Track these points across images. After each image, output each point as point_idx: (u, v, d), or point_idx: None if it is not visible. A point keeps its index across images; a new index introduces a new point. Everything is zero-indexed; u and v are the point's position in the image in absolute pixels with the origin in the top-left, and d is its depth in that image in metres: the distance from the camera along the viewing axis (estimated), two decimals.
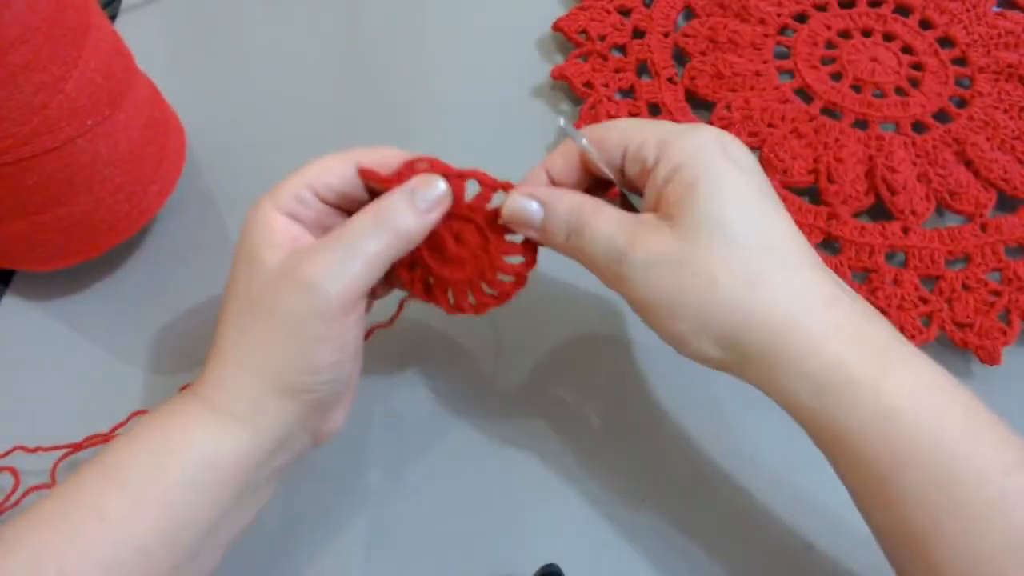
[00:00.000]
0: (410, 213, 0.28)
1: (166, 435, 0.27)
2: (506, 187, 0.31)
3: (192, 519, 0.26)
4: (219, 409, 0.27)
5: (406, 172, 0.30)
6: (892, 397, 0.25)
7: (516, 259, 0.32)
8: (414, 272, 0.32)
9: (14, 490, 0.34)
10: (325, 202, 0.29)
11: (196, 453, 0.27)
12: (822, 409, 0.26)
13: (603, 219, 0.28)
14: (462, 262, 0.31)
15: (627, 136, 0.29)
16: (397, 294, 0.35)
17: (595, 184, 0.32)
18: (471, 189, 0.31)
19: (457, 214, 0.31)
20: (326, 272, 0.27)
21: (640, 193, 0.30)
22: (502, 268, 0.31)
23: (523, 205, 0.30)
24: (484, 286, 0.32)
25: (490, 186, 0.31)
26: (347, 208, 0.30)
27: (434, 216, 0.29)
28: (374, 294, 0.33)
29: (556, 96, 0.50)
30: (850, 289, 0.28)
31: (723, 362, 0.27)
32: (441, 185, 0.29)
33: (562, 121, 0.31)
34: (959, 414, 0.25)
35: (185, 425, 0.27)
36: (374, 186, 0.30)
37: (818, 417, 0.26)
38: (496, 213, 0.31)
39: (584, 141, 0.30)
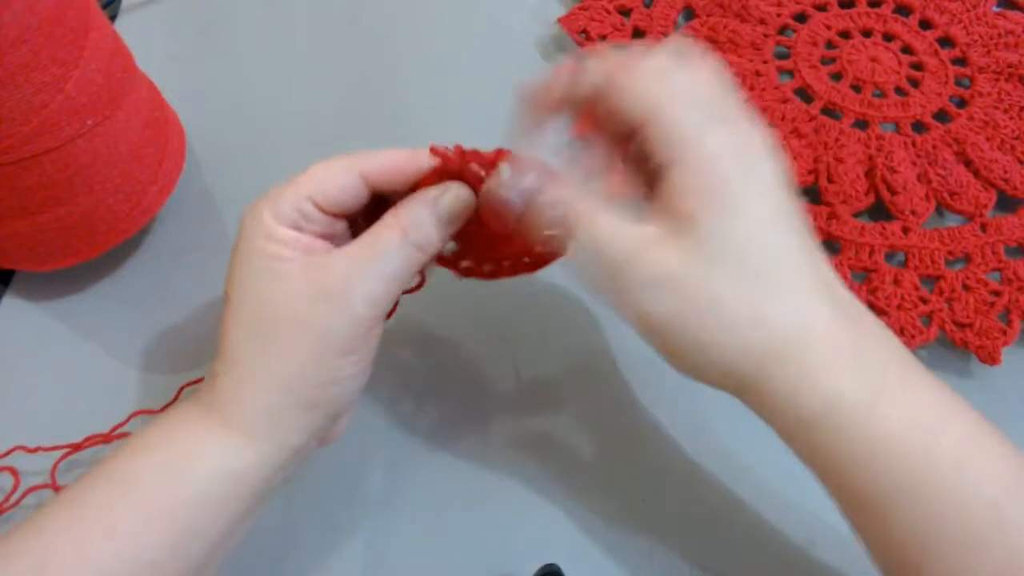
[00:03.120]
0: (435, 228, 0.28)
1: (179, 448, 0.26)
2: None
3: (203, 533, 0.26)
4: (234, 426, 0.26)
5: (460, 162, 0.28)
6: (886, 427, 0.24)
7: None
8: (452, 257, 0.32)
9: (14, 490, 0.34)
10: (327, 213, 0.28)
11: (210, 468, 0.26)
12: (816, 443, 0.25)
13: (600, 225, 0.26)
14: (504, 241, 0.30)
15: (650, 113, 0.26)
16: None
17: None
18: None
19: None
20: (358, 287, 0.26)
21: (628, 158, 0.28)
22: (531, 254, 0.31)
23: (501, 194, 0.27)
24: (526, 259, 0.32)
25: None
26: (350, 215, 0.29)
27: (457, 226, 0.29)
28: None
29: None
30: (853, 300, 0.27)
31: (718, 387, 0.27)
32: (463, 195, 0.28)
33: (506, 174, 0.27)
34: (957, 438, 0.25)
35: (199, 438, 0.26)
36: (381, 192, 0.29)
37: (813, 451, 0.26)
38: None
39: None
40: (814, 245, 0.26)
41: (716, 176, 0.25)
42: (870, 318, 0.27)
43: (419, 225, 0.27)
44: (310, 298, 0.26)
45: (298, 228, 0.28)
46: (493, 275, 0.32)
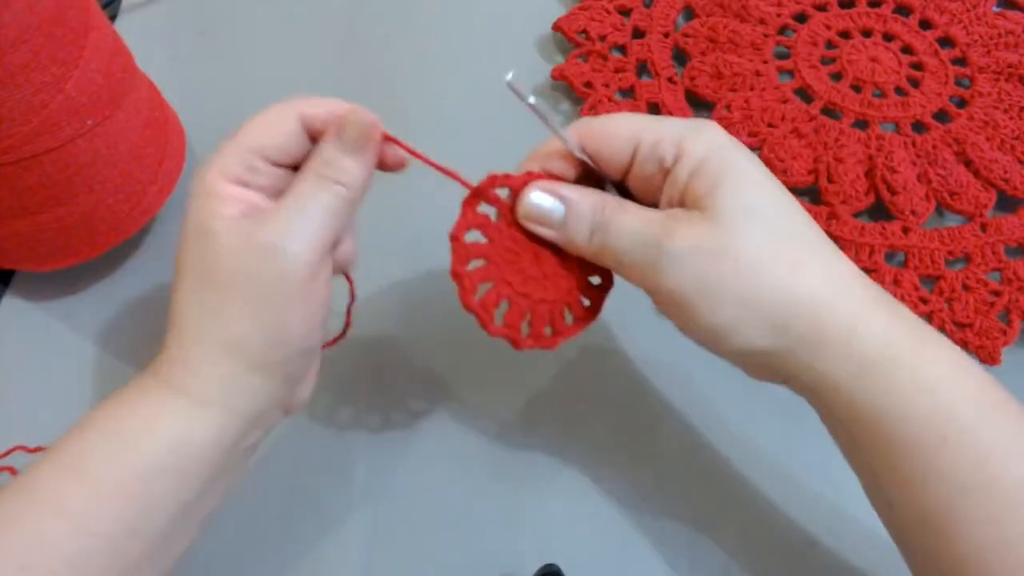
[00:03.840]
0: (345, 157, 0.27)
1: (127, 422, 0.26)
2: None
3: (159, 507, 0.25)
4: (185, 391, 0.26)
5: (488, 186, 0.29)
6: (930, 374, 0.25)
7: (595, 279, 0.30)
8: (487, 299, 0.29)
9: None
10: (278, 165, 0.28)
11: (161, 440, 0.25)
12: (861, 390, 0.26)
13: (631, 214, 0.28)
14: (547, 281, 0.29)
15: (638, 134, 0.28)
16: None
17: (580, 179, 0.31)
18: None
19: (532, 234, 0.29)
20: (285, 233, 0.26)
21: (632, 196, 0.30)
22: (586, 291, 0.30)
23: (541, 203, 0.29)
24: (566, 311, 0.30)
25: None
26: (294, 164, 0.29)
27: (370, 154, 0.28)
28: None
29: (556, 96, 0.50)
30: None
31: (764, 352, 0.27)
32: (364, 117, 0.28)
33: (510, 76, 0.27)
34: (990, 395, 0.26)
35: (148, 410, 0.26)
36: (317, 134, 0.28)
37: (856, 399, 0.26)
38: None
39: (565, 133, 0.29)
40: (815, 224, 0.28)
41: (719, 157, 0.27)
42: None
43: (330, 161, 0.27)
44: (245, 252, 0.26)
45: (244, 183, 0.27)
46: (523, 340, 0.29)
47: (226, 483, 0.28)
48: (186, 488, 0.26)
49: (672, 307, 0.28)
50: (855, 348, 0.26)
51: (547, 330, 0.29)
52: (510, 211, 0.29)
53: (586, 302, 0.30)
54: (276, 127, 0.28)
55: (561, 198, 0.29)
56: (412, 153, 0.30)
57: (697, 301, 0.26)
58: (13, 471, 0.35)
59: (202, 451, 0.26)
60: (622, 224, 0.28)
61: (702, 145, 0.27)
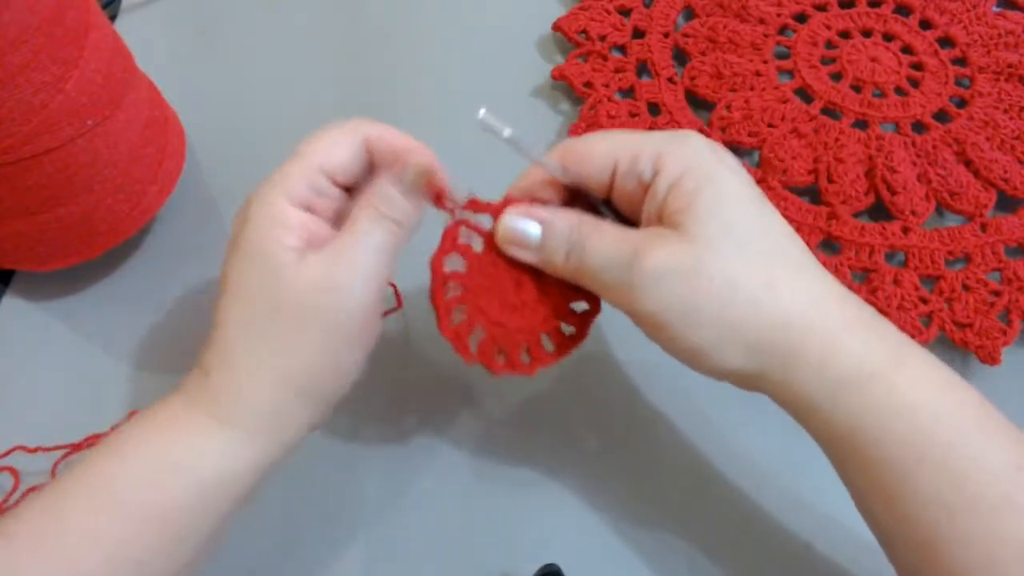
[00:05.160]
0: (404, 199, 0.28)
1: (168, 449, 0.26)
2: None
3: (194, 534, 0.26)
4: (233, 423, 0.26)
5: (469, 212, 0.29)
6: (908, 393, 0.25)
7: (580, 305, 0.30)
8: (460, 327, 0.29)
9: (14, 490, 0.34)
10: (339, 185, 0.28)
11: (205, 471, 0.25)
12: (837, 410, 0.25)
13: (606, 233, 0.27)
14: (524, 309, 0.29)
15: (616, 152, 0.28)
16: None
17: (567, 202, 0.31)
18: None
19: (515, 260, 0.29)
20: (352, 273, 0.26)
21: (623, 215, 0.29)
22: (567, 318, 0.30)
23: (519, 226, 0.28)
24: (544, 338, 0.30)
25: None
26: (355, 185, 0.29)
27: (424, 196, 0.28)
28: None
29: (556, 96, 0.50)
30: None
31: (743, 372, 0.27)
32: (423, 161, 0.28)
33: (482, 112, 0.27)
34: (972, 412, 0.25)
35: (192, 440, 0.26)
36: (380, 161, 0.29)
37: (833, 419, 0.26)
38: None
39: (545, 159, 0.28)
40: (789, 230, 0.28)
41: (699, 171, 0.26)
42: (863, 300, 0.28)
43: (391, 200, 0.27)
44: (314, 290, 0.26)
45: (311, 208, 0.27)
46: (499, 365, 0.29)
47: (249, 504, 0.28)
48: (220, 516, 0.26)
49: (650, 327, 0.27)
50: (830, 370, 0.25)
51: (524, 358, 0.29)
52: (491, 237, 0.29)
53: (569, 329, 0.30)
54: (342, 146, 0.28)
55: (539, 220, 0.28)
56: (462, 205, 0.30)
57: (673, 321, 0.26)
58: (13, 471, 0.35)
59: (244, 479, 0.26)
60: (596, 244, 0.27)
61: (680, 160, 0.27)
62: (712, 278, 0.25)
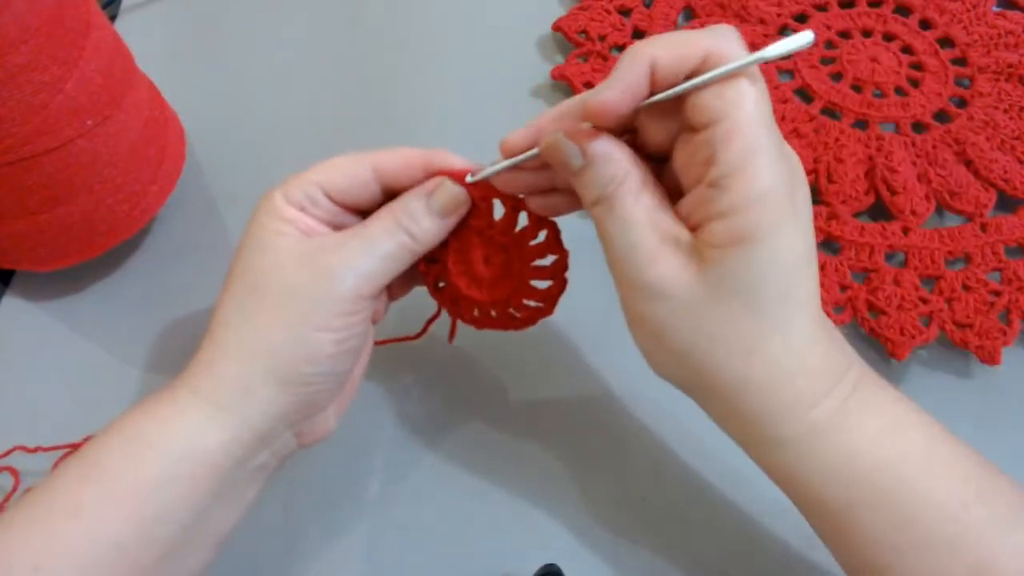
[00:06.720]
0: (427, 217, 0.29)
1: (146, 425, 0.26)
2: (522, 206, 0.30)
3: (168, 514, 0.25)
4: (203, 395, 0.26)
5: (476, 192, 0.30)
6: (856, 440, 0.25)
7: (544, 283, 0.31)
8: (442, 290, 0.32)
9: (14, 490, 0.34)
10: (335, 203, 0.29)
11: (175, 444, 0.26)
12: (787, 460, 0.26)
13: (641, 207, 0.25)
14: (491, 284, 0.31)
15: (726, 119, 0.23)
16: (416, 304, 0.35)
17: None
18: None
19: (487, 235, 0.30)
20: (346, 263, 0.27)
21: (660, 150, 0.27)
22: (529, 294, 0.31)
23: (568, 147, 0.25)
24: (512, 310, 0.32)
25: (516, 208, 0.30)
26: (360, 209, 0.30)
27: (451, 221, 0.29)
28: (392, 296, 0.33)
29: (556, 96, 0.50)
30: (827, 319, 0.27)
31: (683, 389, 0.28)
32: (456, 189, 0.29)
33: (468, 179, 0.29)
34: (919, 452, 0.25)
35: (167, 415, 0.26)
36: (393, 190, 0.30)
37: (780, 467, 0.26)
38: (525, 235, 0.30)
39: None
40: (816, 266, 0.26)
41: (760, 217, 0.23)
42: (836, 334, 0.27)
43: (412, 213, 0.28)
44: (297, 268, 0.27)
45: (303, 210, 0.28)
46: (478, 322, 0.33)
47: (237, 504, 0.28)
48: (193, 498, 0.26)
49: (630, 325, 0.28)
50: (781, 428, 0.25)
51: (493, 313, 0.32)
52: (469, 214, 0.30)
53: (534, 303, 0.32)
54: (346, 171, 0.29)
55: (592, 152, 0.25)
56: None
57: (644, 331, 0.27)
58: (13, 471, 0.35)
59: (213, 458, 0.26)
60: (627, 213, 0.25)
61: (749, 190, 0.23)
62: (698, 326, 0.25)
